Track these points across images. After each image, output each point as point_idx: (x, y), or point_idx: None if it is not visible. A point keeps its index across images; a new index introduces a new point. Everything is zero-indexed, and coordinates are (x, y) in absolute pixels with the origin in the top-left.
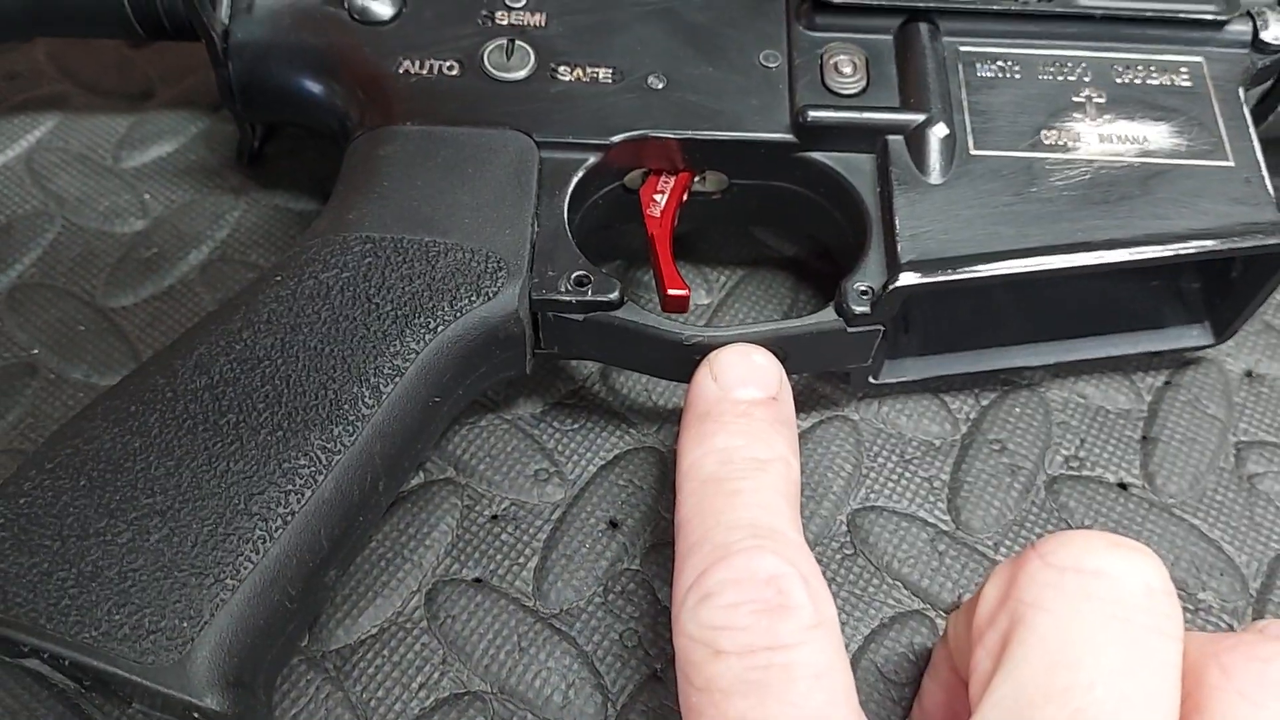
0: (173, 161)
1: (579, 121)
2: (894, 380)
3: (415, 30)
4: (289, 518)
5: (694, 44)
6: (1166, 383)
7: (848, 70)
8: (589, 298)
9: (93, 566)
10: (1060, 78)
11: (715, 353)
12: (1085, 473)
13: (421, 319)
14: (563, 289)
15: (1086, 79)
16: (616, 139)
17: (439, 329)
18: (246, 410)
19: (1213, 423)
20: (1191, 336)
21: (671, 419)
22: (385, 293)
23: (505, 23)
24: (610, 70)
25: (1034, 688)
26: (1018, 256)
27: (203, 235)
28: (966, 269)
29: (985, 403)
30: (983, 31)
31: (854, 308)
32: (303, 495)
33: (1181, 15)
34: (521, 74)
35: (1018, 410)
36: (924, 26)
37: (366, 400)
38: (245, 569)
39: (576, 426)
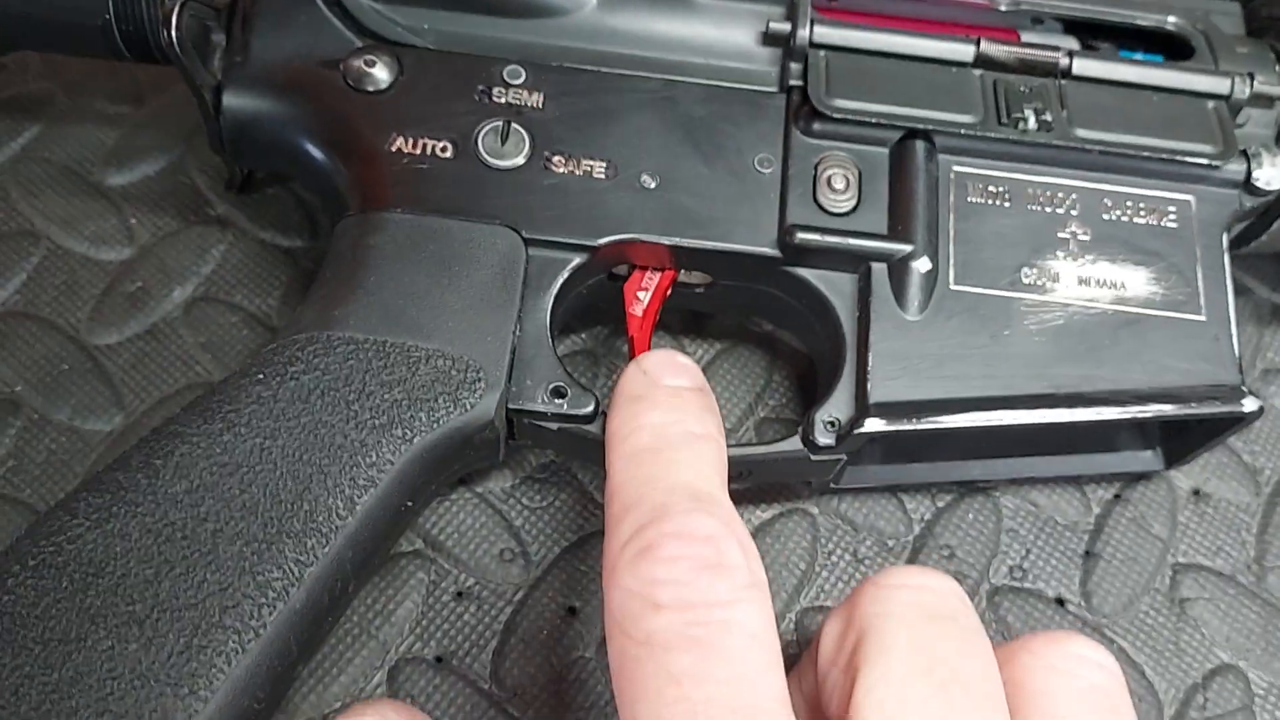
0: (160, 182)
1: (569, 220)
2: (855, 485)
3: (411, 102)
4: (261, 630)
5: (691, 140)
6: (1116, 496)
7: (840, 185)
8: (565, 411)
9: (74, 672)
10: (1049, 209)
11: (642, 354)
12: (1026, 585)
13: (399, 429)
14: (539, 400)
15: (1074, 212)
16: (605, 241)
17: (415, 439)
18: (224, 519)
19: (1154, 542)
20: (1142, 461)
21: None
22: (365, 399)
23: (503, 100)
24: (604, 164)
25: (903, 669)
26: (983, 408)
27: (188, 270)
28: (931, 418)
29: (941, 505)
30: (979, 153)
31: (819, 439)
32: (274, 608)
33: (1178, 153)
34: (515, 162)
35: (970, 516)
36: (921, 144)
37: (340, 511)
38: (218, 680)
39: (545, 504)
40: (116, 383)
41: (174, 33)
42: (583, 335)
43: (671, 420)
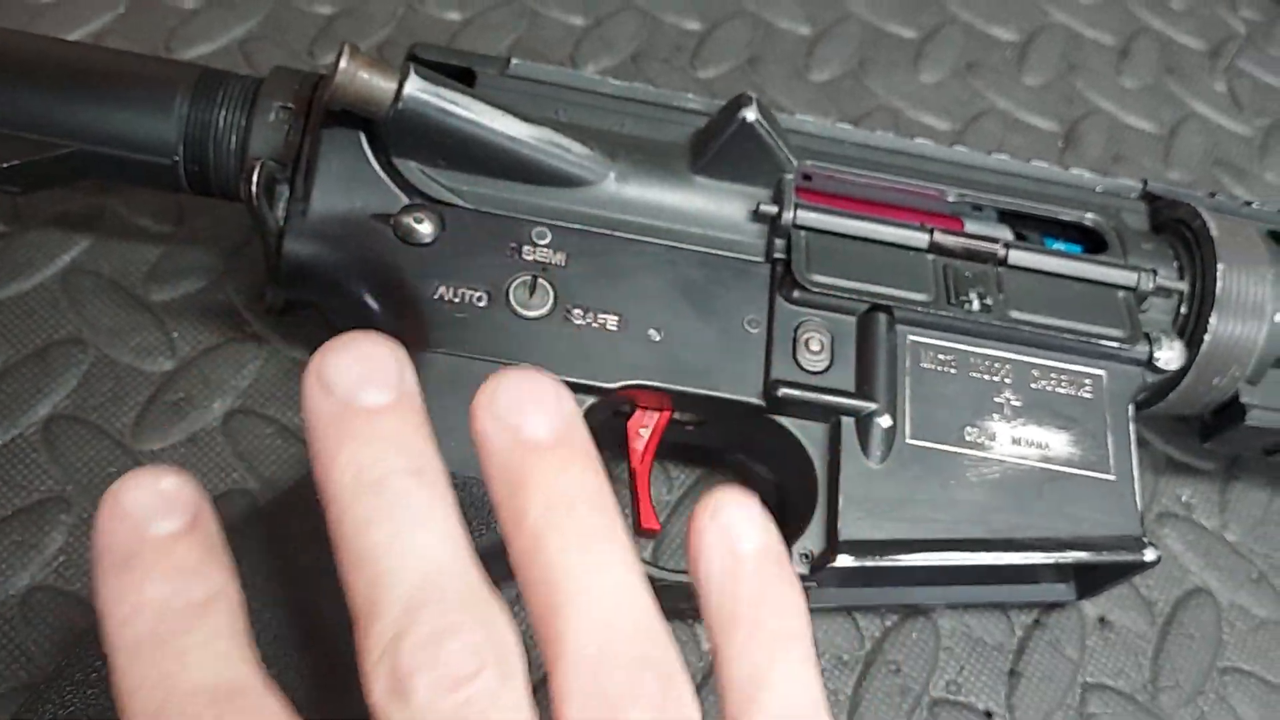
0: (200, 300)
1: (587, 365)
2: (815, 605)
3: (451, 255)
4: None
5: (690, 299)
6: (1035, 621)
7: (816, 347)
8: None
9: None
10: (988, 377)
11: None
12: (960, 698)
13: None
14: None
15: (1008, 380)
16: (617, 385)
17: None
18: (280, 627)
19: (1067, 663)
20: (1058, 593)
21: None
22: None
23: (531, 258)
24: (617, 318)
25: None
26: (934, 549)
27: (226, 384)
28: (892, 557)
29: (889, 624)
30: (931, 325)
31: (795, 569)
32: None
33: (1094, 335)
34: (541, 312)
35: (914, 635)
36: (884, 316)
37: None
38: None
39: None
40: None
41: (254, 187)
42: None
43: (169, 592)
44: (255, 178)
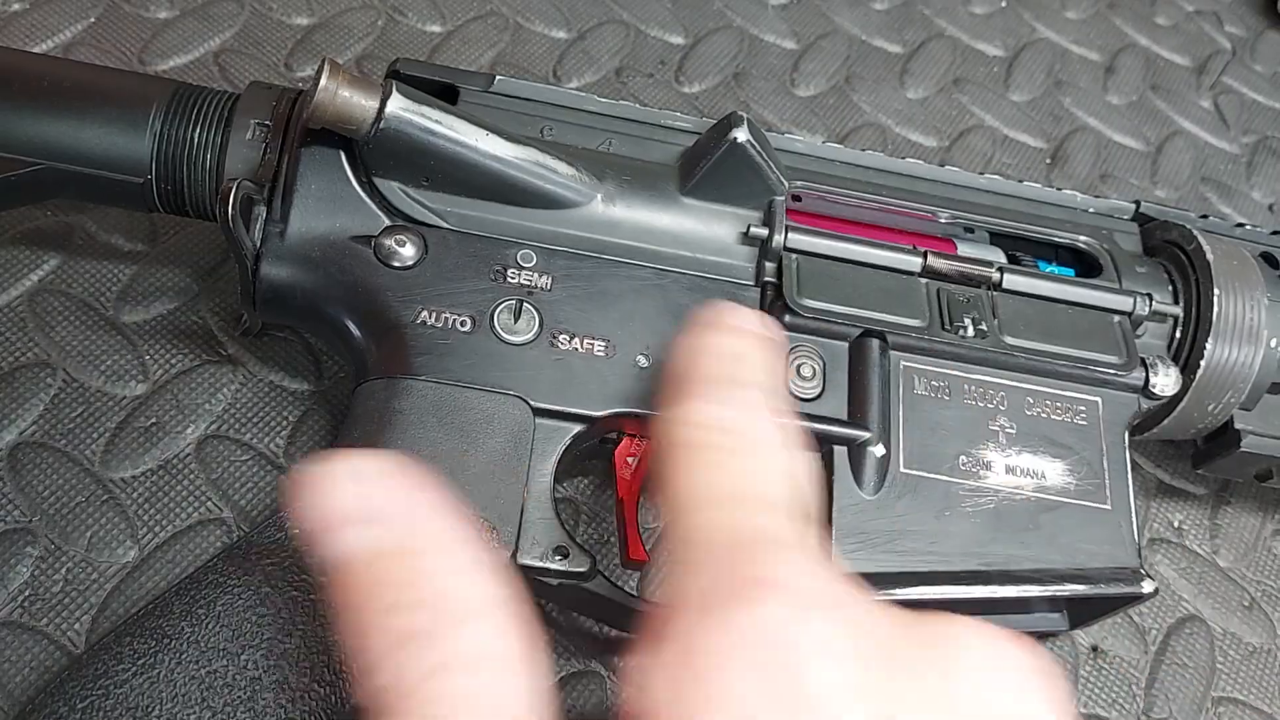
0: (173, 321)
1: (573, 392)
2: None
3: (434, 278)
4: None
5: (678, 324)
6: None
7: (807, 373)
8: (567, 569)
9: None
10: (981, 404)
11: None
12: None
13: None
14: (544, 558)
15: (1003, 407)
16: (604, 413)
17: None
18: (263, 667)
19: None
20: (1050, 622)
21: (616, 648)
22: None
23: (515, 281)
24: (604, 343)
25: None
26: (929, 582)
27: (200, 408)
28: (886, 591)
29: None
30: (924, 351)
31: None
32: None
33: (1090, 362)
34: (526, 338)
35: None
36: (876, 342)
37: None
38: None
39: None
40: (131, 516)
41: (230, 209)
42: (563, 486)
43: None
44: (231, 200)
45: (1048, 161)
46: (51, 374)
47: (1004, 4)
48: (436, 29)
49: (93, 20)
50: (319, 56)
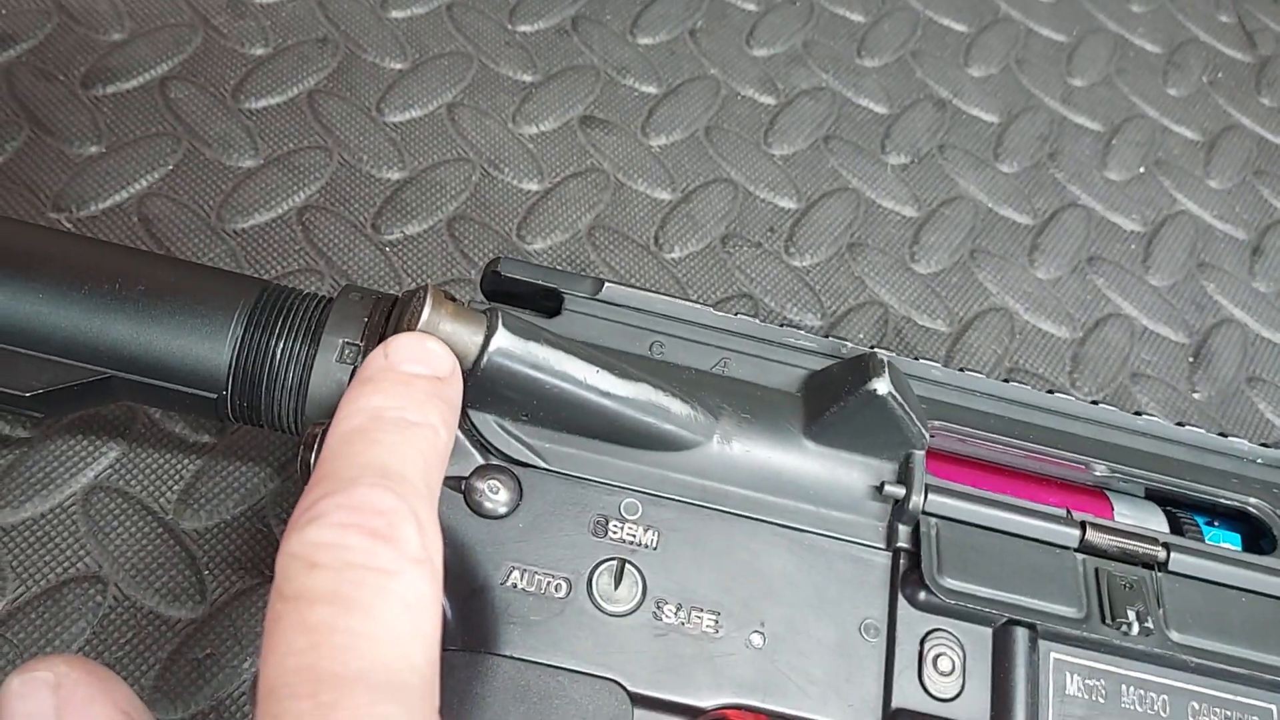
0: (237, 530)
1: (677, 679)
2: None
3: (529, 530)
4: None
5: (799, 595)
6: None
7: (946, 667)
8: None
9: None
10: (1139, 708)
11: (393, 338)
12: None
13: None
14: None
15: (1163, 714)
16: (712, 705)
17: None
18: None
19: None
20: None
21: None
22: None
23: (618, 536)
24: (714, 617)
25: None
26: None
27: (258, 641)
28: None
29: None
30: (1080, 645)
31: None
32: None
33: (1268, 668)
34: (627, 607)
35: None
36: (1025, 632)
37: None
38: None
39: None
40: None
41: (314, 456)
42: None
43: (391, 405)
44: (317, 446)
45: (1190, 360)
46: (103, 591)
47: (1142, 169)
48: (534, 187)
49: (170, 168)
50: (408, 215)
